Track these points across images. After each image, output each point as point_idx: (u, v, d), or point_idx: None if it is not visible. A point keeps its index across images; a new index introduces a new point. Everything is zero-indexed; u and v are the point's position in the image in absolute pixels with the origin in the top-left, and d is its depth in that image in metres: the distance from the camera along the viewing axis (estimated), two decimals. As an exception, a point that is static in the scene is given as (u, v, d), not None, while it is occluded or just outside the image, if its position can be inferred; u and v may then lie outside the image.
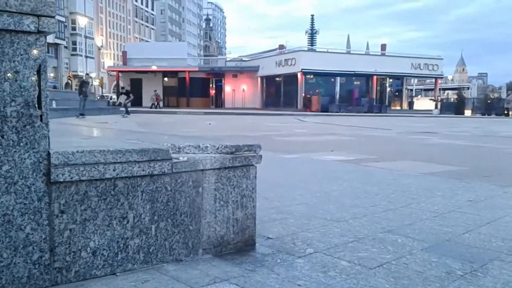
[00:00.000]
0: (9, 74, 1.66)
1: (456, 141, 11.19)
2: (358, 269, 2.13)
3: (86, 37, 62.50)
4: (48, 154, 1.76)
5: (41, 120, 1.74)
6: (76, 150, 1.83)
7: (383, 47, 46.14)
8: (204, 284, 1.91)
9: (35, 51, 1.70)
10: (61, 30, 59.55)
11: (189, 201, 2.18)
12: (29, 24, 1.66)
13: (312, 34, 78.75)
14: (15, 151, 1.69)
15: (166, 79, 46.68)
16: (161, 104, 38.88)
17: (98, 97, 40.74)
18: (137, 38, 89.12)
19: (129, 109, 27.87)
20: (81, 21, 55.16)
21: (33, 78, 1.71)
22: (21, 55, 1.68)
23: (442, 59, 45.65)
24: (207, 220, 2.25)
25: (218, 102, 46.83)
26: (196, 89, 45.29)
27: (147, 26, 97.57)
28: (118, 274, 1.96)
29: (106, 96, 48.49)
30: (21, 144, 1.70)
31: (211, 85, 47.72)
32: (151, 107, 35.90)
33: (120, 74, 46.29)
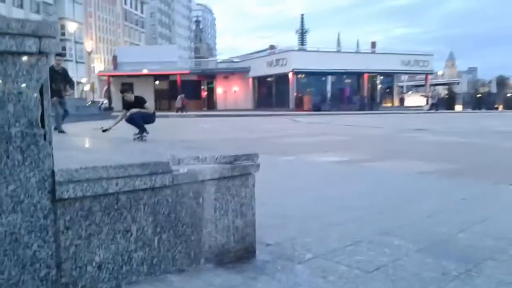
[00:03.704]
0: (12, 96, 1.70)
1: (449, 138, 11.32)
2: (356, 273, 2.19)
3: (76, 42, 62.24)
4: (53, 172, 1.80)
5: (44, 139, 1.78)
6: (79, 167, 1.87)
7: (373, 44, 46.36)
8: (208, 293, 1.95)
9: (37, 72, 1.74)
10: (50, 36, 58.94)
11: (190, 212, 2.23)
12: (30, 45, 1.70)
13: (302, 34, 79.09)
14: (20, 171, 1.73)
15: (157, 82, 46.60)
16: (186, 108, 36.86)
17: (90, 102, 40.59)
18: (127, 41, 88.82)
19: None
20: (71, 26, 54.95)
21: (36, 98, 1.75)
22: (24, 75, 1.72)
23: (432, 55, 45.97)
24: (208, 230, 2.30)
25: (210, 104, 46.82)
26: (187, 91, 45.21)
27: (137, 30, 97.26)
28: (123, 286, 2.01)
29: (98, 101, 48.34)
30: (26, 163, 1.74)
31: (202, 87, 47.72)
32: (177, 111, 35.02)
33: (111, 79, 46.15)
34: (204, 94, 47.73)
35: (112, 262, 1.98)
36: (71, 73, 12.32)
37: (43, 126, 1.77)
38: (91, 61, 71.74)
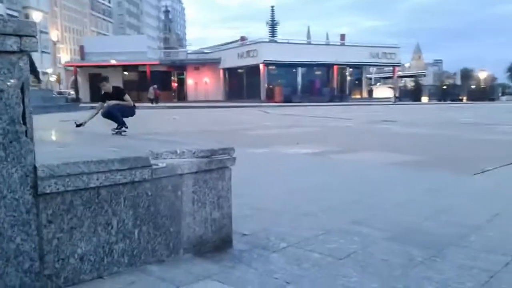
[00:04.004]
0: (-6, 93, 1.72)
1: (416, 129, 11.66)
2: (328, 260, 2.31)
3: (41, 31, 60.50)
4: (35, 167, 1.84)
5: (26, 135, 1.81)
6: (61, 162, 1.91)
7: (342, 37, 46.95)
8: (188, 282, 2.04)
9: (18, 70, 1.77)
10: (14, 25, 56.99)
11: (169, 205, 2.30)
12: (11, 44, 1.73)
13: (273, 25, 79.25)
14: (2, 167, 1.76)
15: (126, 73, 45.93)
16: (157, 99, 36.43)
17: (56, 94, 39.62)
18: (94, 31, 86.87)
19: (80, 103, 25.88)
20: (35, 16, 53.33)
21: (17, 96, 1.77)
22: (5, 74, 1.75)
23: (399, 47, 46.88)
24: (187, 222, 2.38)
25: (181, 95, 46.48)
26: (157, 82, 44.72)
27: (104, 19, 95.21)
28: (105, 277, 2.06)
29: (65, 92, 47.25)
30: (8, 159, 1.77)
31: (173, 78, 47.33)
32: (151, 103, 34.41)
33: (78, 69, 45.24)
34: (174, 85, 47.34)
35: (93, 254, 2.04)
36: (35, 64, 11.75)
37: (24, 123, 1.81)
38: (56, 51, 69.88)
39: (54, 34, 61.70)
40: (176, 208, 2.33)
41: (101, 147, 2.53)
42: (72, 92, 45.47)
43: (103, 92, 8.32)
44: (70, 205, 1.95)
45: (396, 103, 37.15)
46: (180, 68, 46.71)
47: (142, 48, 49.13)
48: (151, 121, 15.56)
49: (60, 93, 44.11)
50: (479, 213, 3.26)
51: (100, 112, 8.17)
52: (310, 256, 2.37)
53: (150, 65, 44.62)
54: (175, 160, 2.34)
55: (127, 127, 8.13)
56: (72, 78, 48.56)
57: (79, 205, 1.98)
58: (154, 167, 2.21)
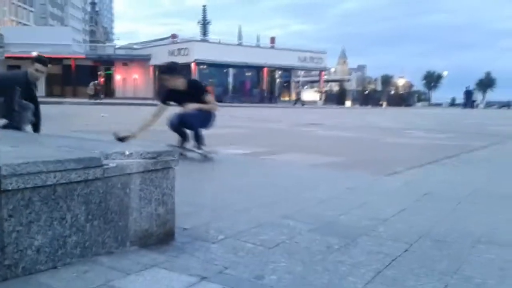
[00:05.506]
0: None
1: (338, 133, 12.46)
2: (260, 249, 2.66)
3: (-48, 17, 55.93)
4: (-3, 166, 2.00)
5: (-10, 137, 1.98)
6: (21, 162, 2.09)
7: (272, 40, 48.13)
8: (137, 270, 2.29)
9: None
10: None
11: (118, 201, 2.52)
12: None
13: (204, 25, 79.12)
14: (-32, 166, 1.92)
15: (49, 66, 43.86)
16: (102, 95, 35.15)
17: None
18: (13, 20, 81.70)
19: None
20: None
21: (-16, 101, 1.94)
22: (-27, 81, 1.90)
23: (325, 53, 48.99)
24: (134, 217, 2.62)
25: (108, 91, 45.20)
26: (83, 77, 43.21)
27: (25, 8, 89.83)
28: (59, 267, 2.26)
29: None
30: (-26, 159, 1.93)
31: (99, 73, 45.90)
32: (90, 99, 32.81)
33: (-5, 61, 42.46)
34: (101, 80, 45.94)
35: (49, 246, 2.22)
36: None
37: (-11, 125, 1.97)
38: (-30, 39, 64.94)
39: (-33, 21, 57.32)
40: (125, 204, 2.56)
41: (54, 147, 2.68)
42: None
43: (167, 89, 5.41)
44: (29, 201, 2.13)
45: (297, 106, 38.63)
46: (108, 63, 45.48)
47: (67, 41, 47.25)
48: (78, 118, 15.18)
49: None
50: (388, 209, 3.76)
51: (168, 121, 5.46)
52: (245, 246, 2.70)
53: (75, 58, 43.05)
54: (124, 161, 2.57)
55: (205, 145, 5.43)
56: (-12, 69, 45.52)
57: (37, 201, 2.16)
58: (105, 166, 2.43)
